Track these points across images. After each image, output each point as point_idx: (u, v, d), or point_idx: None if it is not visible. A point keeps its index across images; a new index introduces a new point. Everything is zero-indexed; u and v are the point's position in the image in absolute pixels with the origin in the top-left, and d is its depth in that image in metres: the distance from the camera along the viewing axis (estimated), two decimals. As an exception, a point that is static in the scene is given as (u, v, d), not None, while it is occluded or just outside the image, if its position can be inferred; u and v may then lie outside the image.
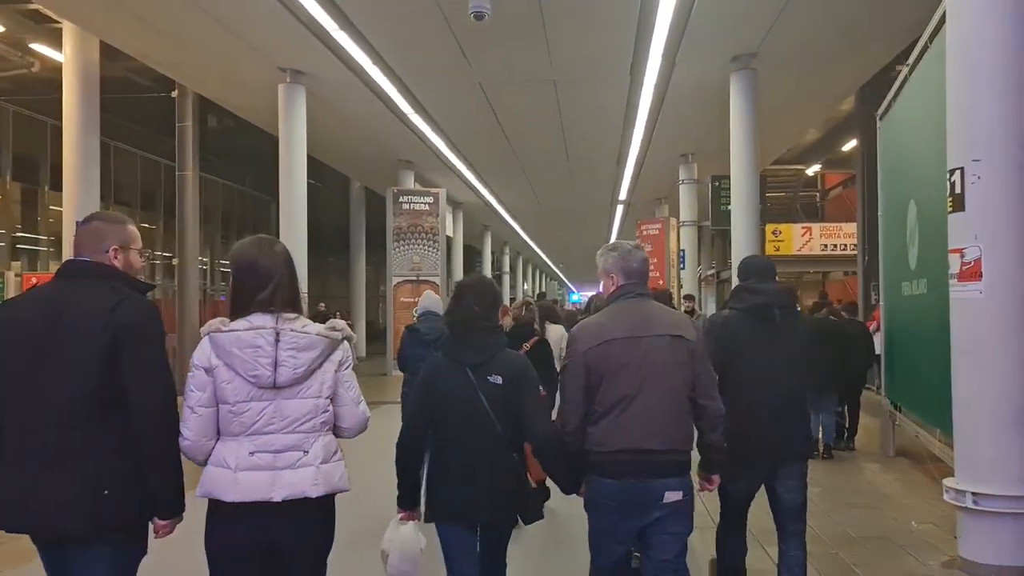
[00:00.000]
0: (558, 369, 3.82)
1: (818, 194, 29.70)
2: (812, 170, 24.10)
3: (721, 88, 11.62)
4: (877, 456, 7.98)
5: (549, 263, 49.01)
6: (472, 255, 37.28)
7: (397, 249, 17.59)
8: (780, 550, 3.69)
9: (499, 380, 2.85)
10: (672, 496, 2.87)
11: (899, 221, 7.38)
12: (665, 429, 2.88)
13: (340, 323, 2.54)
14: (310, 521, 2.42)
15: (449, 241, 25.57)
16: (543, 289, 55.34)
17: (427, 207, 17.73)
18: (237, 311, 2.42)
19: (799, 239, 24.42)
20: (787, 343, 3.61)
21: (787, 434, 3.55)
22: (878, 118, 8.14)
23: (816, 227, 24.63)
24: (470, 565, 2.93)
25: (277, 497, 2.31)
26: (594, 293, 11.62)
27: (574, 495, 3.14)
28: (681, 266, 17.95)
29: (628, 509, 2.90)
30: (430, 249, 17.68)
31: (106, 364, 2.30)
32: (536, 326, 6.52)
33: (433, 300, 6.06)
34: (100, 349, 2.30)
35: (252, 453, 2.33)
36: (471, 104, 13.21)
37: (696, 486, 3.13)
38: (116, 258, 2.48)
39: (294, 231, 11.27)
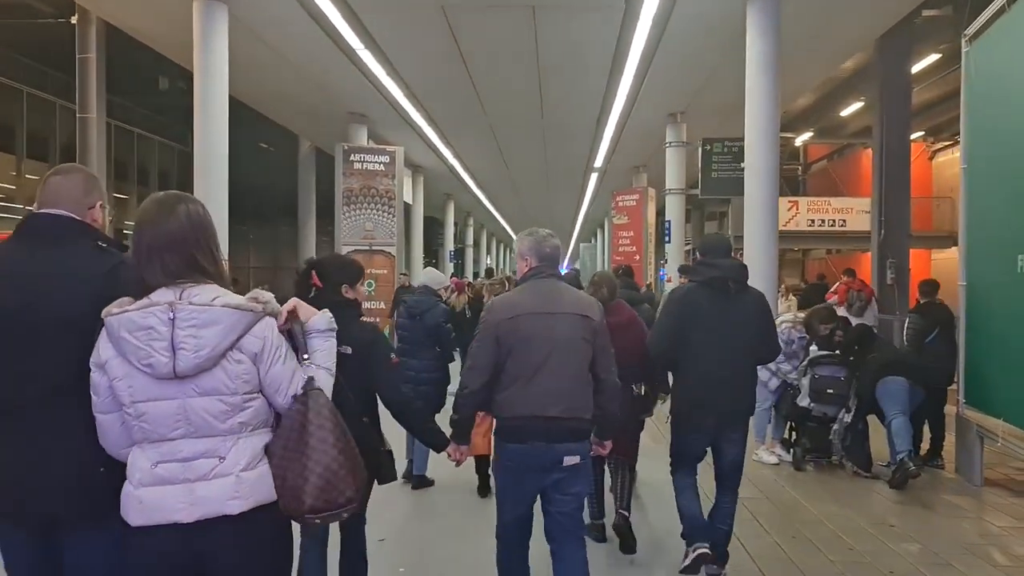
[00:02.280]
0: None
1: (800, 167, 28.14)
2: (801, 139, 22.40)
3: (729, 27, 9.80)
4: (960, 484, 6.14)
5: (513, 236, 46.99)
6: (434, 227, 35.29)
7: (348, 214, 15.47)
8: (716, 501, 4.09)
9: (348, 350, 2.87)
10: (570, 460, 3.15)
11: (1003, 170, 5.57)
12: (567, 398, 3.15)
13: (265, 294, 2.06)
14: (243, 544, 1.96)
15: (408, 209, 23.55)
16: (501, 266, 53.46)
17: (382, 167, 15.60)
18: (142, 284, 1.99)
19: (785, 214, 22.80)
20: (739, 314, 3.89)
21: (734, 396, 3.91)
22: (966, 40, 6.28)
23: (803, 201, 23.12)
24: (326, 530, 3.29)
25: (188, 518, 1.91)
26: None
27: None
28: (666, 239, 16.13)
29: (532, 470, 3.17)
30: (385, 215, 15.59)
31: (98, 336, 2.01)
32: None
33: (433, 275, 6.16)
34: (93, 320, 1.97)
35: (155, 464, 1.94)
36: (433, 36, 11.14)
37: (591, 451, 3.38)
38: (95, 218, 2.27)
39: (212, 187, 9.19)
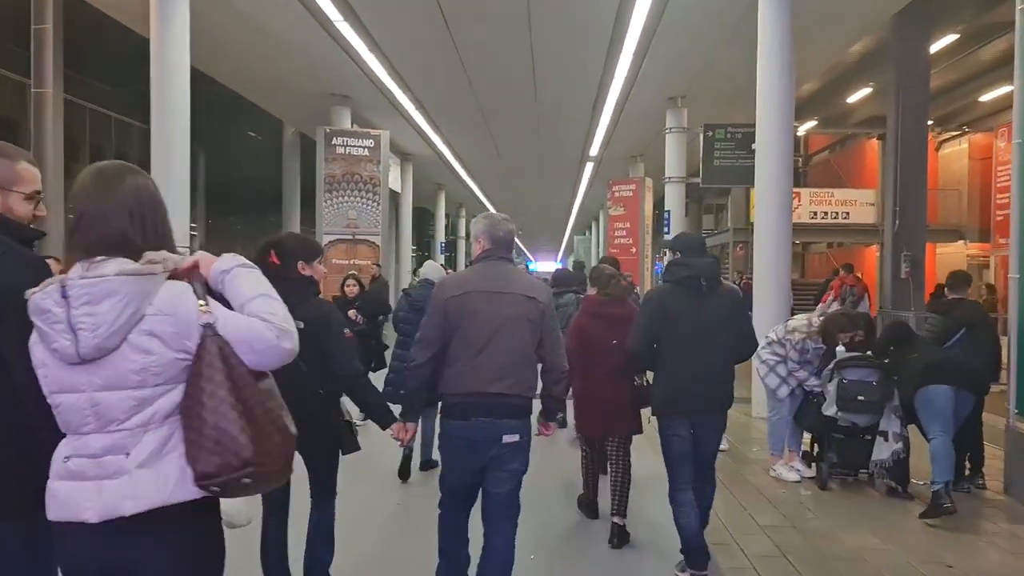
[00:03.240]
0: None
1: (800, 159, 27.38)
2: (805, 128, 21.62)
3: (735, 2, 9.13)
4: (1014, 508, 5.32)
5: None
6: (425, 218, 34.47)
7: (330, 201, 14.71)
8: (694, 488, 4.03)
9: (301, 325, 2.54)
10: (510, 438, 3.22)
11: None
12: (510, 376, 3.21)
13: (160, 253, 1.78)
14: (161, 547, 1.79)
15: (397, 198, 22.72)
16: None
17: (366, 152, 14.82)
18: (66, 261, 1.82)
19: (786, 205, 22.07)
20: (712, 312, 3.96)
21: (711, 392, 3.99)
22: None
23: (806, 192, 22.32)
24: (284, 502, 3.44)
25: (92, 518, 1.74)
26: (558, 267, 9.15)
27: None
28: (666, 231, 15.35)
29: (474, 446, 3.24)
30: (369, 202, 14.82)
31: None
32: None
33: (432, 268, 6.24)
34: None
35: (67, 459, 1.80)
36: (418, 11, 10.37)
37: (535, 431, 3.45)
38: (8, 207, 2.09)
39: (172, 167, 8.31)
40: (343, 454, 3.45)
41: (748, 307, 5.08)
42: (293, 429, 1.87)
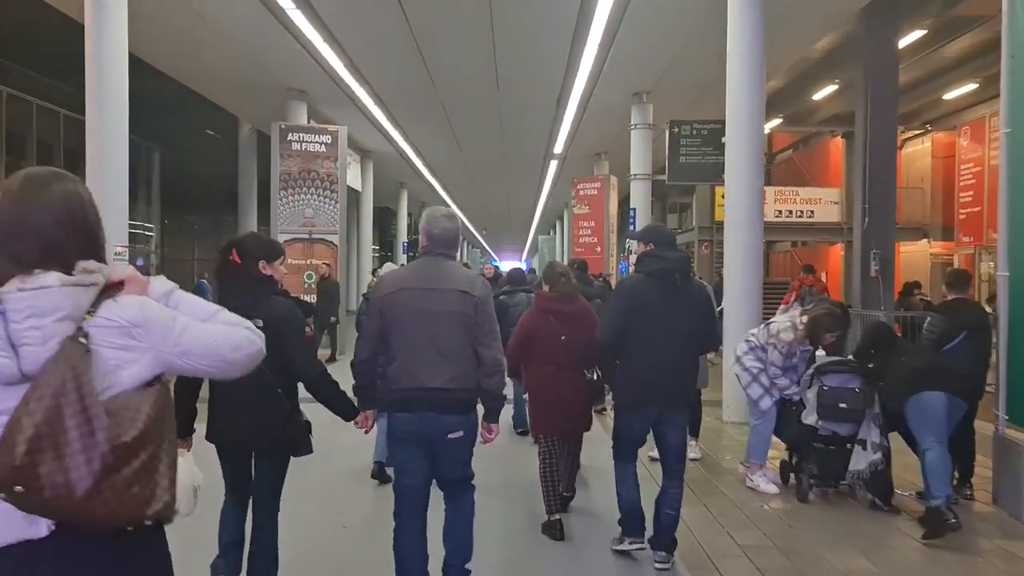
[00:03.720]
0: None
1: (764, 157, 27.29)
2: (770, 126, 21.49)
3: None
4: (1004, 521, 4.97)
5: (471, 228, 45.71)
6: (388, 218, 33.87)
7: (285, 199, 14.13)
8: (662, 486, 4.16)
9: (260, 323, 2.69)
10: (454, 435, 3.32)
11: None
12: (447, 370, 3.26)
13: (93, 263, 1.70)
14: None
15: (357, 196, 22.15)
16: (460, 258, 52.19)
17: (323, 148, 14.25)
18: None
19: (752, 204, 21.96)
20: (683, 304, 4.03)
21: (676, 382, 4.05)
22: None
23: (770, 191, 22.19)
24: (241, 486, 3.50)
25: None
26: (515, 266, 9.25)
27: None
28: (631, 227, 15.02)
29: (419, 439, 3.32)
30: (326, 200, 14.26)
31: None
32: None
33: (391, 269, 6.02)
34: None
35: None
36: (376, 0, 9.91)
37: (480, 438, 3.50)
38: None
39: (109, 162, 7.73)
40: (295, 456, 3.44)
41: (715, 303, 5.17)
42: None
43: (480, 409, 3.47)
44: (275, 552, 3.44)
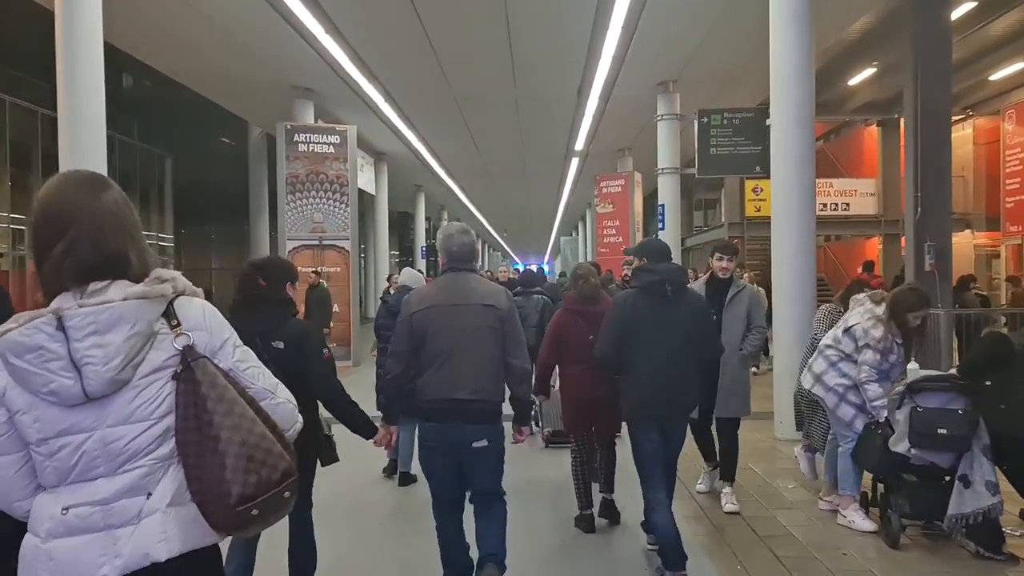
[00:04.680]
0: None
1: (814, 143, 26.24)
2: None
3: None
4: None
5: (491, 231, 44.95)
6: (406, 223, 33.17)
7: (293, 204, 13.44)
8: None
9: (280, 345, 3.22)
10: (479, 444, 3.44)
11: None
12: (475, 382, 3.43)
13: (168, 272, 1.68)
14: None
15: (371, 200, 21.46)
16: (482, 263, 51.47)
17: (331, 149, 13.55)
18: (44, 290, 1.62)
19: (783, 198, 20.94)
20: (677, 316, 4.01)
21: (676, 396, 4.04)
22: None
23: (803, 183, 21.05)
24: None
25: (112, 574, 1.53)
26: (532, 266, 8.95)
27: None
28: (660, 226, 14.15)
29: (446, 448, 3.48)
30: (336, 204, 13.55)
31: None
32: None
33: (411, 275, 6.14)
34: None
35: (66, 510, 1.55)
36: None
37: (510, 438, 3.68)
38: None
39: (84, 162, 6.98)
40: (322, 465, 3.52)
41: (715, 311, 4.91)
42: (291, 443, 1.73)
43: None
44: (313, 550, 3.55)
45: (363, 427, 3.53)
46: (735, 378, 5.09)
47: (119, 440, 1.56)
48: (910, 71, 10.41)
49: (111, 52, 12.40)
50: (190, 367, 1.60)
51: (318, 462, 3.49)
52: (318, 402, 3.41)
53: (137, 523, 1.55)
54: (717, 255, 5.17)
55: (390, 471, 6.18)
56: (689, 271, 10.34)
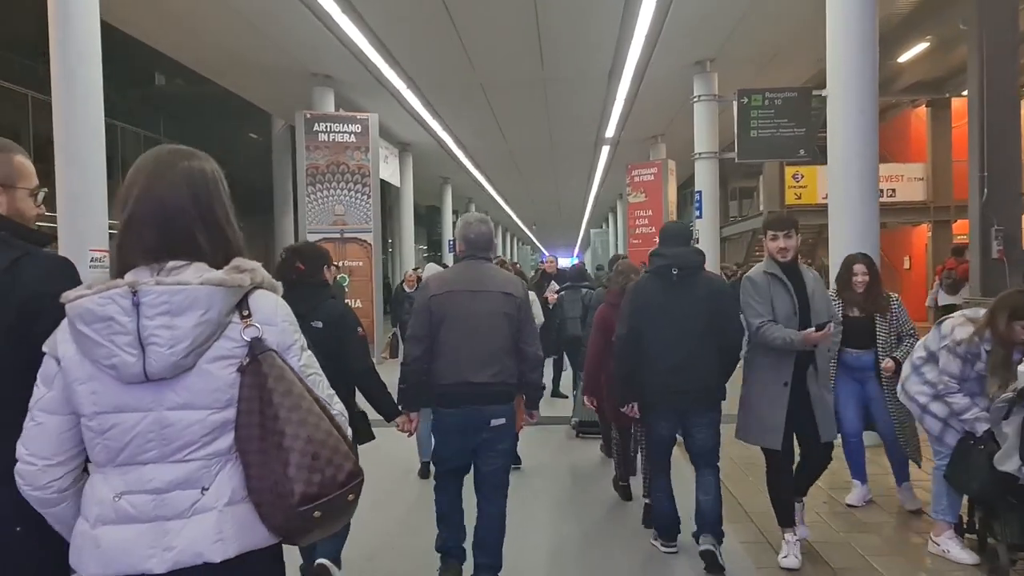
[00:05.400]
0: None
1: (877, 118, 25.23)
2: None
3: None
4: None
5: (520, 224, 44.29)
6: (434, 216, 32.62)
7: (313, 196, 12.92)
8: (696, 476, 4.21)
9: (320, 324, 3.40)
10: (497, 421, 3.59)
11: None
12: (492, 366, 3.56)
13: (249, 262, 1.63)
14: None
15: (396, 193, 20.95)
16: (510, 256, 50.89)
17: (352, 138, 13.01)
18: (120, 260, 1.60)
19: (825, 185, 20.02)
20: (689, 300, 4.00)
21: (691, 381, 3.99)
22: None
23: (846, 169, 20.14)
24: None
25: (160, 568, 1.49)
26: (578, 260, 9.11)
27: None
28: (697, 214, 13.41)
29: (464, 431, 3.61)
30: (358, 195, 13.01)
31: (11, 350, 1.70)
32: None
33: (433, 269, 5.98)
34: None
35: (119, 496, 1.52)
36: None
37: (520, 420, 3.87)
38: (15, 206, 1.92)
39: (81, 152, 6.48)
40: (358, 444, 3.41)
41: (732, 298, 4.38)
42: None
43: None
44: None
45: (388, 407, 3.70)
46: (826, 389, 4.15)
47: (174, 425, 1.51)
48: (974, 41, 9.57)
49: (128, 44, 12.20)
50: (257, 359, 1.54)
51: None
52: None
53: (189, 517, 1.50)
54: (771, 233, 4.12)
55: (423, 474, 6.07)
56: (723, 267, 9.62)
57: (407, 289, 9.96)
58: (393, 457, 6.12)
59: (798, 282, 4.04)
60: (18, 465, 1.59)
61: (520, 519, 4.38)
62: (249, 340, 1.56)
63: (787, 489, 4.15)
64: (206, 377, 1.53)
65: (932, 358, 3.96)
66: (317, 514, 1.49)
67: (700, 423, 4.09)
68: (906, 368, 4.14)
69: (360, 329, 3.69)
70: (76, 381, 1.52)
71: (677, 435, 4.28)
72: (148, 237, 1.57)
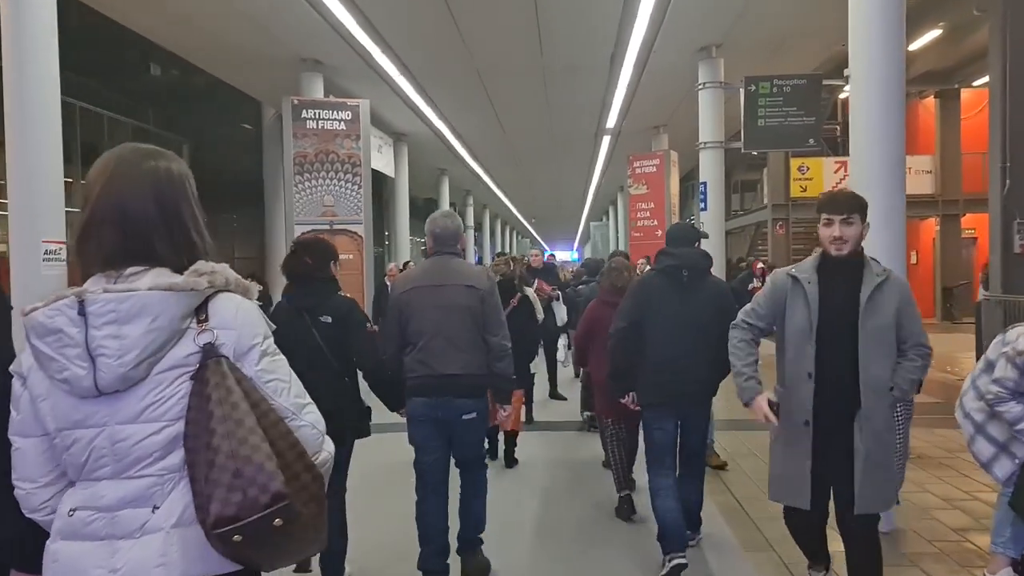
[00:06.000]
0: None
1: (839, 126, 24.85)
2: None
3: None
4: None
5: (520, 217, 43.78)
6: (432, 209, 32.13)
7: (301, 185, 12.39)
8: (680, 476, 4.21)
9: (328, 320, 3.51)
10: (468, 416, 3.75)
11: None
12: (459, 358, 3.68)
13: (210, 264, 1.54)
14: None
15: (390, 183, 20.44)
16: (510, 250, 50.42)
17: (342, 126, 12.46)
18: (81, 268, 1.54)
19: (831, 177, 19.65)
20: (694, 303, 4.00)
21: (691, 381, 4.00)
22: None
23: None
24: None
25: None
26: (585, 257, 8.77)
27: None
28: (702, 206, 12.91)
29: (436, 421, 3.74)
30: (348, 185, 12.48)
31: None
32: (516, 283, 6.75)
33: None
34: None
35: (72, 512, 1.48)
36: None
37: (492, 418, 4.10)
38: None
39: (35, 130, 5.96)
40: (357, 438, 3.71)
41: (737, 301, 4.13)
42: (319, 471, 1.54)
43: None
44: (343, 520, 3.70)
45: (395, 400, 3.82)
46: (880, 443, 3.10)
47: (127, 440, 1.44)
48: (997, 25, 9.06)
49: (115, 30, 11.76)
50: (204, 366, 1.45)
51: (354, 443, 3.71)
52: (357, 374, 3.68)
53: (138, 537, 1.42)
54: (824, 217, 3.15)
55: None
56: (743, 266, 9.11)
57: (388, 283, 9.46)
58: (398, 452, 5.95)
59: (851, 286, 3.11)
60: (15, 491, 1.56)
61: (514, 518, 4.62)
62: (202, 346, 1.47)
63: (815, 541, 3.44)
64: (157, 389, 1.45)
65: (990, 367, 3.46)
66: (237, 538, 1.37)
67: (695, 426, 4.15)
68: (966, 381, 3.63)
69: (369, 324, 3.83)
70: (39, 398, 1.47)
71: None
72: (107, 242, 1.49)
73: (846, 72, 6.55)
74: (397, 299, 3.76)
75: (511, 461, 6.31)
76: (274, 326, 1.62)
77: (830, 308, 3.10)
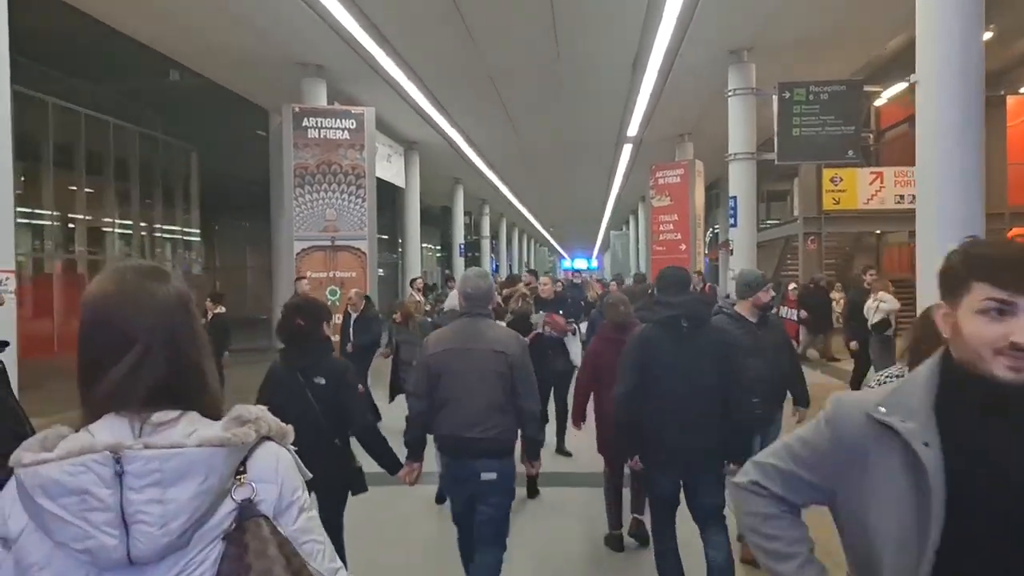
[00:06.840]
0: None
1: (871, 134, 23.74)
2: (891, 93, 17.96)
3: None
4: None
5: (538, 226, 42.95)
6: (448, 218, 31.44)
7: (302, 199, 11.65)
8: (704, 537, 3.99)
9: (322, 381, 3.58)
10: (487, 476, 3.68)
11: None
12: (482, 422, 3.66)
13: (252, 409, 1.33)
14: None
15: (400, 194, 19.68)
16: (529, 261, 49.67)
17: (346, 135, 11.72)
18: (86, 407, 1.28)
19: (866, 189, 18.58)
20: (696, 353, 3.85)
21: (696, 438, 3.80)
22: None
23: (889, 172, 18.80)
24: None
25: None
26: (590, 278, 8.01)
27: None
28: (731, 222, 11.99)
29: (457, 480, 3.82)
30: (351, 198, 11.74)
31: None
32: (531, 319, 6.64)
33: (455, 298, 6.28)
34: None
35: None
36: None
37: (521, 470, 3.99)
38: None
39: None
40: (352, 495, 3.79)
41: (743, 350, 4.09)
42: None
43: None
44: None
45: (390, 463, 3.82)
46: None
47: None
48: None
49: (123, 43, 11.22)
50: (242, 526, 1.23)
51: (349, 493, 3.77)
52: (350, 436, 3.74)
53: None
54: (995, 299, 0.64)
55: (440, 497, 5.86)
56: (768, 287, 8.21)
57: (397, 321, 8.17)
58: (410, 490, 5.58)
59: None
60: None
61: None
62: (239, 502, 1.23)
63: None
64: (191, 553, 1.21)
65: None
66: None
67: (705, 482, 3.95)
68: None
69: (360, 386, 3.92)
70: (33, 567, 1.18)
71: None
72: (116, 379, 1.23)
73: (912, 78, 5.61)
74: (428, 359, 3.78)
75: (533, 492, 6.25)
76: (310, 475, 1.38)
77: (984, 489, 1.33)
